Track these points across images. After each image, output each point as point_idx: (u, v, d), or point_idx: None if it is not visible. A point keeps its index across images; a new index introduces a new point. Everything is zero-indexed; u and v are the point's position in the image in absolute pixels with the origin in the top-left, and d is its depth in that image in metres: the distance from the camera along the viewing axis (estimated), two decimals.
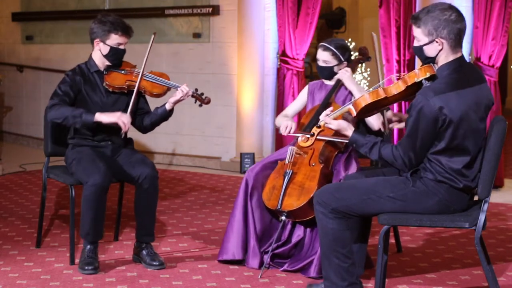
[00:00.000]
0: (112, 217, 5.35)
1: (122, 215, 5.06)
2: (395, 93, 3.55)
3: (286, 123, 4.42)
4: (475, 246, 3.52)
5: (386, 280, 3.84)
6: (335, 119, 3.73)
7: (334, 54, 4.43)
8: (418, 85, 3.52)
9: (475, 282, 4.15)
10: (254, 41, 7.46)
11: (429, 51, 3.49)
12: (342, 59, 4.45)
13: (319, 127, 3.80)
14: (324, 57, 4.45)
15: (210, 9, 7.74)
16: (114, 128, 4.41)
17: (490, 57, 6.47)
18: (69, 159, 4.48)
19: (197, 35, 7.87)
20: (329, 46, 4.43)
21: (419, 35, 3.49)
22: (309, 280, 4.11)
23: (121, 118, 4.31)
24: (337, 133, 4.23)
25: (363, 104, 3.57)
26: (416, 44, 3.53)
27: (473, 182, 3.52)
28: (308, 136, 4.24)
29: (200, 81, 7.75)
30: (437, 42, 3.44)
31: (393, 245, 4.66)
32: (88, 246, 4.29)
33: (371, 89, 3.64)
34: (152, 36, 4.53)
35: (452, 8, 3.46)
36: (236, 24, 7.56)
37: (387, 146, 3.54)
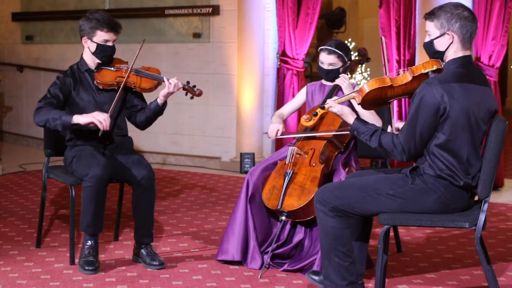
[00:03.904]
0: (112, 217, 5.35)
1: (122, 215, 5.06)
2: (401, 83, 3.54)
3: (273, 126, 4.45)
4: (475, 246, 3.52)
5: (386, 280, 3.84)
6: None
7: (339, 56, 4.45)
8: (424, 77, 3.53)
9: (475, 282, 4.15)
10: (254, 41, 7.46)
11: (439, 44, 3.53)
12: (347, 60, 4.48)
13: (323, 108, 3.80)
14: (330, 60, 4.46)
15: (210, 9, 7.74)
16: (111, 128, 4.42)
17: (490, 57, 6.47)
18: (68, 159, 4.48)
19: (197, 35, 7.87)
20: (334, 49, 4.44)
21: (431, 29, 3.54)
22: (309, 281, 4.10)
23: (97, 117, 4.24)
24: (339, 129, 4.24)
25: (368, 89, 3.54)
26: (427, 39, 3.58)
27: (473, 180, 3.52)
28: (299, 135, 4.24)
29: (200, 81, 7.74)
30: (448, 35, 3.49)
31: (393, 245, 4.67)
32: (89, 242, 4.28)
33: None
34: (142, 42, 4.51)
35: (465, 7, 3.55)
36: (236, 24, 7.56)
37: (387, 134, 3.55)
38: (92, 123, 4.25)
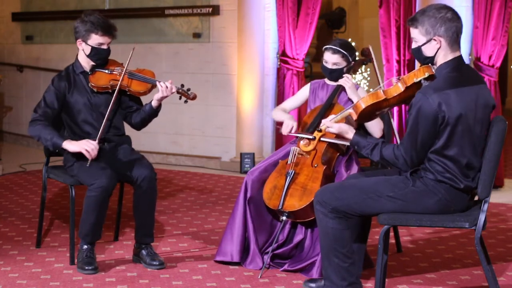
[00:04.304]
0: (112, 217, 5.34)
1: (122, 215, 5.06)
2: (395, 94, 3.55)
3: (288, 123, 4.42)
4: (475, 246, 3.52)
5: (386, 280, 3.83)
6: (336, 122, 3.74)
7: (344, 56, 4.44)
8: (417, 86, 3.52)
9: (475, 282, 4.15)
10: (254, 41, 7.46)
11: (428, 50, 3.49)
12: (351, 59, 4.47)
13: (320, 131, 3.81)
14: (335, 60, 4.45)
15: (210, 9, 7.74)
16: (106, 130, 4.42)
17: (490, 57, 6.47)
18: (69, 162, 4.47)
19: (197, 35, 7.87)
20: (338, 48, 4.43)
21: (417, 36, 3.50)
22: None
23: (85, 147, 4.24)
24: (339, 135, 4.24)
25: (363, 106, 3.57)
26: (414, 45, 3.55)
27: (473, 182, 3.52)
28: (310, 137, 4.24)
29: (200, 81, 7.75)
30: (435, 40, 3.46)
31: (393, 245, 4.66)
32: (86, 246, 4.30)
33: (370, 91, 3.64)
34: (132, 51, 4.49)
35: (447, 8, 3.49)
36: (236, 24, 7.56)
37: (388, 147, 3.54)
38: (80, 152, 4.26)
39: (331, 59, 4.46)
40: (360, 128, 4.29)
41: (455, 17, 3.46)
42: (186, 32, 7.98)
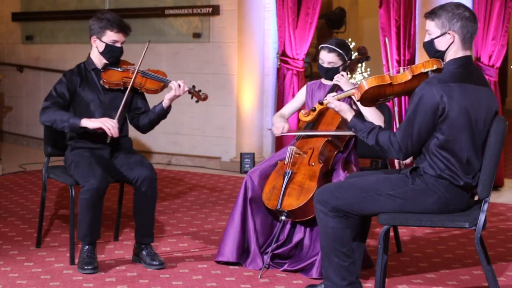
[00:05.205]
0: (112, 217, 5.35)
1: (122, 215, 5.06)
2: (401, 81, 3.54)
3: (279, 125, 4.46)
4: (475, 246, 3.52)
5: (386, 280, 3.84)
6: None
7: (339, 55, 4.45)
8: (424, 76, 3.53)
9: (475, 282, 4.15)
10: (254, 41, 7.46)
11: (440, 44, 3.53)
12: (347, 59, 4.48)
13: (322, 103, 3.81)
14: (330, 59, 4.45)
15: (210, 9, 7.74)
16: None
17: (490, 57, 6.48)
18: (67, 162, 4.49)
19: (197, 35, 7.87)
20: (334, 47, 4.44)
21: (432, 28, 3.54)
22: (309, 281, 4.10)
23: (106, 123, 4.25)
24: (338, 128, 4.24)
25: (366, 86, 3.55)
26: (427, 38, 3.58)
27: (473, 180, 3.52)
28: (302, 134, 4.25)
29: (200, 81, 7.74)
30: (449, 34, 3.49)
31: (393, 245, 4.67)
32: (87, 247, 4.30)
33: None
34: (147, 44, 4.51)
35: (466, 7, 3.55)
36: (236, 24, 7.56)
37: (384, 133, 3.55)
38: (101, 128, 4.26)
39: (326, 58, 4.47)
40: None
41: (472, 18, 3.52)
42: (186, 32, 7.98)
